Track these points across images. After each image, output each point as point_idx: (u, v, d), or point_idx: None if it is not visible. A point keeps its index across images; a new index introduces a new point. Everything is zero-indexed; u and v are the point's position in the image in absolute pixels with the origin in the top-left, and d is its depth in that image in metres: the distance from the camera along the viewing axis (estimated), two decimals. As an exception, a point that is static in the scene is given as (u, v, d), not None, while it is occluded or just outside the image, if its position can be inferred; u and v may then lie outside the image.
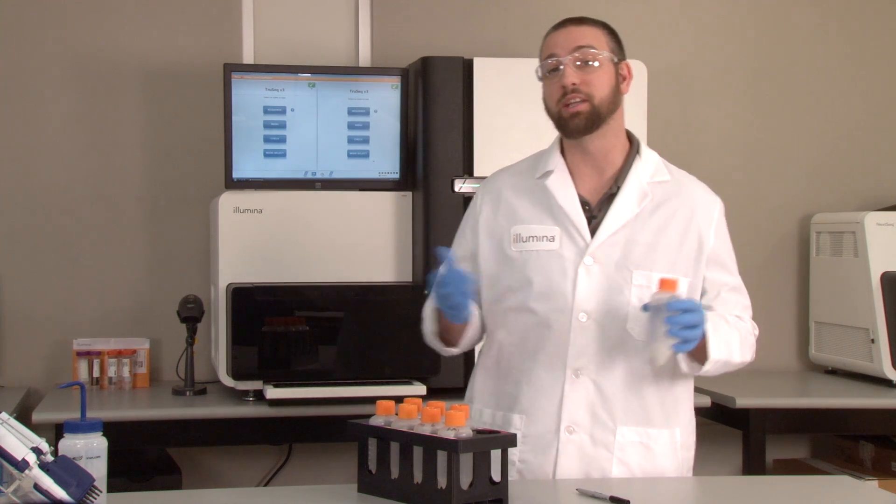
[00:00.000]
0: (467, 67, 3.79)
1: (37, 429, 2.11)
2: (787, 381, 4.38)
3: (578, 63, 2.39)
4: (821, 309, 4.46)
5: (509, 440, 2.14)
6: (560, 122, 2.43)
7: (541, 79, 2.47)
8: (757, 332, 2.52)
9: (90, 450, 1.99)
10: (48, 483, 1.85)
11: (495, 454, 2.12)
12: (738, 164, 4.59)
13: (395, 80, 3.88)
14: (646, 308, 2.29)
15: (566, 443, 2.38)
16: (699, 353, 2.35)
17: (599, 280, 2.39)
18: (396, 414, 2.20)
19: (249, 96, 3.78)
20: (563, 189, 2.45)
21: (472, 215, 2.58)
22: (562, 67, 2.39)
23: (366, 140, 3.87)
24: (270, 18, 4.28)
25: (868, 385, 4.14)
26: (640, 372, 2.40)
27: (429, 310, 2.55)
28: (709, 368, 2.38)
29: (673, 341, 2.24)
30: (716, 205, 2.52)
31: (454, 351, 2.58)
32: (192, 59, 4.19)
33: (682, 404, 2.49)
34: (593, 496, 2.19)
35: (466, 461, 2.07)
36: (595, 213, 2.45)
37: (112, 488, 2.04)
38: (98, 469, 1.98)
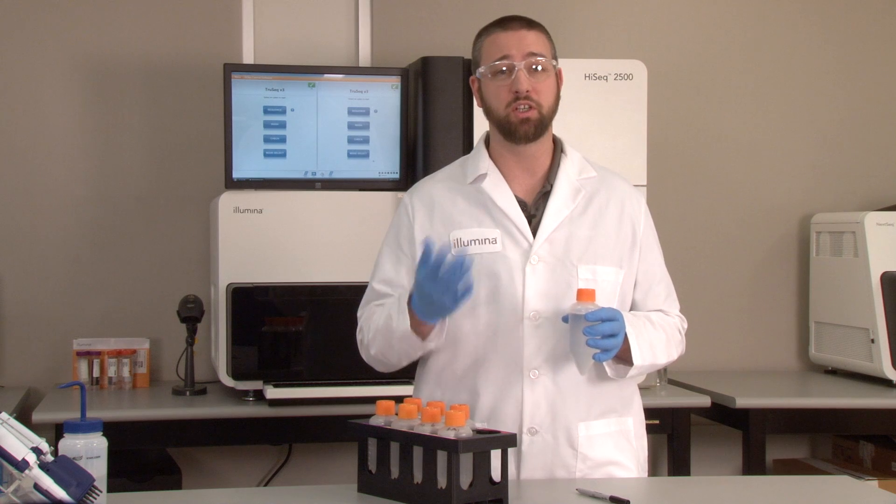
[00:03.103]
0: (467, 67, 3.79)
1: (37, 429, 2.11)
2: (787, 381, 4.38)
3: (530, 69, 2.38)
4: (821, 309, 4.46)
5: (509, 440, 2.14)
6: (508, 126, 2.40)
7: (477, 77, 2.45)
8: (685, 324, 2.54)
9: (90, 450, 1.99)
10: (48, 483, 1.85)
11: (495, 454, 2.12)
12: (738, 163, 4.59)
13: (395, 80, 3.88)
14: (565, 319, 2.30)
15: (529, 445, 2.36)
16: (624, 357, 2.36)
17: (546, 278, 2.38)
18: (396, 414, 2.20)
19: (249, 96, 3.78)
20: (500, 191, 2.43)
21: (405, 226, 2.47)
22: (515, 71, 2.38)
23: (366, 140, 3.87)
24: (270, 18, 4.28)
25: (868, 385, 4.14)
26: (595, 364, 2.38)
27: (395, 305, 2.37)
28: (634, 373, 2.40)
29: (594, 351, 2.25)
30: (641, 197, 2.54)
31: (401, 362, 2.43)
32: (192, 59, 4.19)
33: (633, 393, 2.51)
34: (593, 496, 2.18)
35: (466, 461, 2.07)
36: (533, 212, 2.44)
37: (112, 488, 2.05)
38: (98, 469, 1.98)
